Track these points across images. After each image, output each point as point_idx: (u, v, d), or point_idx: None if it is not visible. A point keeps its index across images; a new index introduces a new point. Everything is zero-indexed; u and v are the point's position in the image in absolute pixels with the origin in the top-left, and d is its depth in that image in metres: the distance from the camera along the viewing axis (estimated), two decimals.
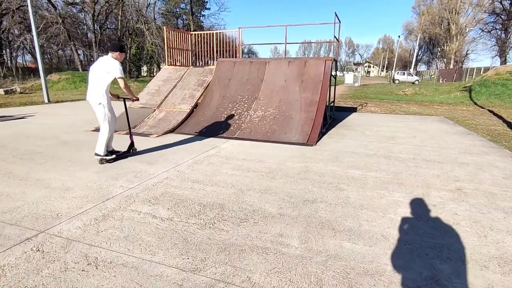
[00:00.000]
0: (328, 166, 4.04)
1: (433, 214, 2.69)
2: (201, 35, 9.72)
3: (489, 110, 10.67)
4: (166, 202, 2.90)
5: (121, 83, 3.87)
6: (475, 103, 12.80)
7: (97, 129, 5.57)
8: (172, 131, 6.20)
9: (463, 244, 2.22)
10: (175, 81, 7.94)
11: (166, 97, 7.41)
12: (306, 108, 6.14)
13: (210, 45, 9.36)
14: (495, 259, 2.04)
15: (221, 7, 59.90)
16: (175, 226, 2.44)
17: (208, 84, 7.41)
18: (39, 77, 11.97)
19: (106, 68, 3.84)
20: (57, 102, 12.02)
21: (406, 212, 2.72)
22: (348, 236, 2.31)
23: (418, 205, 2.88)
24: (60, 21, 24.63)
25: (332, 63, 6.89)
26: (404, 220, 2.57)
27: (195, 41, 9.70)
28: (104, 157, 4.04)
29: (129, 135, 4.50)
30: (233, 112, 6.54)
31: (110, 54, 3.93)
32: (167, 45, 8.47)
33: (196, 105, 7.00)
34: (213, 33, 9.46)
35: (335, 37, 7.32)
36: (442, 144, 5.37)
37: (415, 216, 2.65)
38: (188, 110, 6.76)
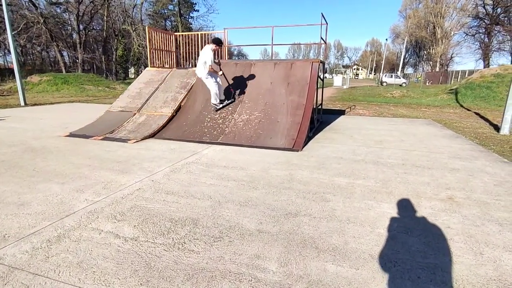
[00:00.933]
0: (314, 174, 3.81)
1: (424, 228, 2.48)
2: (186, 36, 9.41)
3: (475, 113, 10.73)
4: (134, 218, 2.60)
5: (207, 67, 5.83)
6: (461, 106, 12.89)
7: (72, 135, 5.91)
8: (152, 136, 5.88)
9: (458, 263, 2.01)
10: (158, 83, 7.61)
11: (147, 100, 7.07)
12: (293, 111, 5.92)
13: (197, 46, 9.06)
14: (494, 282, 1.84)
15: (210, 9, 59.63)
16: (139, 248, 2.15)
17: (192, 87, 7.12)
18: None
19: (204, 58, 5.78)
20: (35, 105, 11.47)
21: (396, 226, 2.51)
22: (332, 256, 2.08)
23: (408, 217, 2.67)
24: (42, 21, 23.84)
25: (320, 65, 6.71)
26: (394, 235, 2.36)
27: (182, 42, 9.38)
28: (216, 105, 6.24)
29: (230, 90, 6.59)
30: (217, 116, 6.27)
31: (211, 44, 5.79)
32: (149, 46, 8.15)
33: (179, 108, 6.70)
34: (198, 34, 9.17)
35: (322, 38, 7.15)
36: (431, 148, 5.23)
37: (405, 230, 2.44)
38: (170, 114, 6.45)
